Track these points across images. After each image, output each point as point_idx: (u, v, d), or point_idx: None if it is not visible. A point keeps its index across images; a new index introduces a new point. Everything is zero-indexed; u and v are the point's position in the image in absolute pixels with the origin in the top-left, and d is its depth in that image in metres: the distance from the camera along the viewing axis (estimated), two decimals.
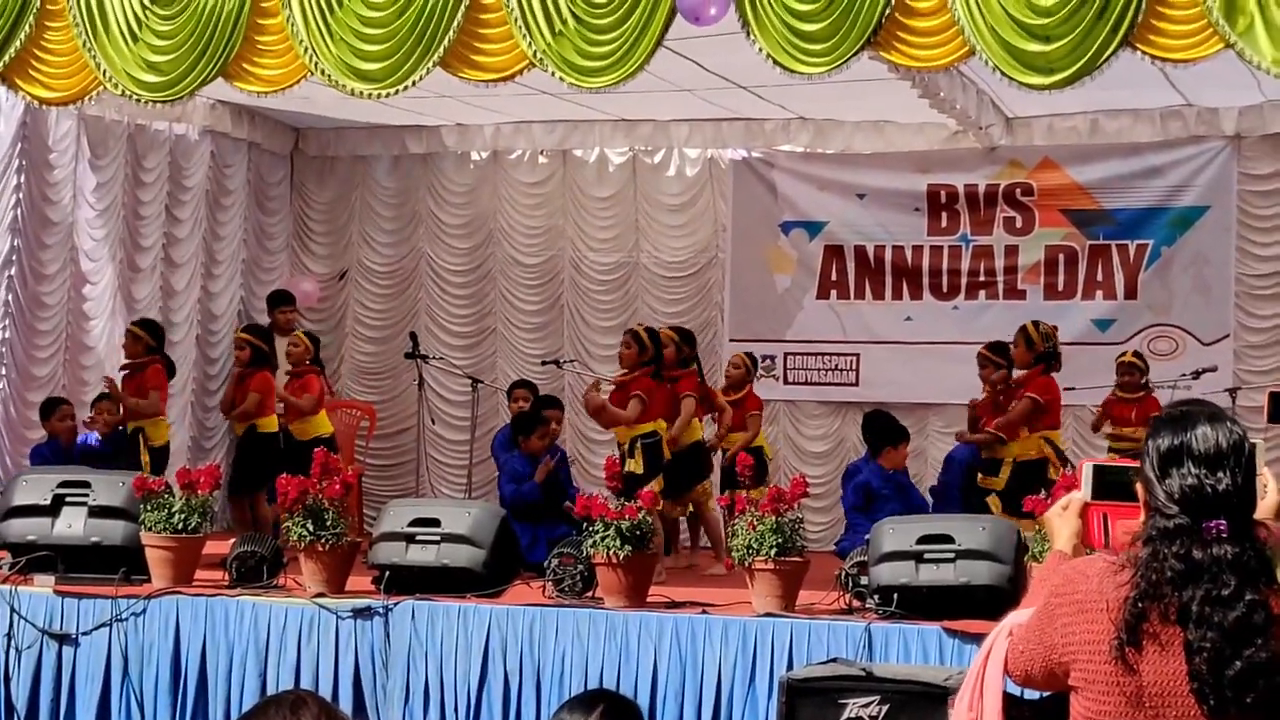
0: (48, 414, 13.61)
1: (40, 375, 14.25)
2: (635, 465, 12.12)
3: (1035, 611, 3.99)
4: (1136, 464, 3.97)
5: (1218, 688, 3.68)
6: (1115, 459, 6.39)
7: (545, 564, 9.91)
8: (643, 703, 8.87)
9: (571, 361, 15.79)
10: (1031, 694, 4.22)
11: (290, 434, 13.79)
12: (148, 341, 13.46)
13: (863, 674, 8.06)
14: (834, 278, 15.95)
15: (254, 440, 13.77)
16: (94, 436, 13.63)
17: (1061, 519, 4.22)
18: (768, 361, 15.86)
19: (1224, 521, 3.74)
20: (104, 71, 10.82)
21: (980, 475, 12.90)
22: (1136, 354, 13.88)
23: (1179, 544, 3.73)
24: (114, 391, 13.48)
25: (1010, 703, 4.09)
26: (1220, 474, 3.78)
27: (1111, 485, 4.14)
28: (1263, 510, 3.89)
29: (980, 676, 4.08)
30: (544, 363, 15.59)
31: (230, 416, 14.41)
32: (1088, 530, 4.18)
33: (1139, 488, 3.90)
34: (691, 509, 13.06)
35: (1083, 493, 4.20)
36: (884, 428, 13.83)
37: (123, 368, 13.66)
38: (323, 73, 10.52)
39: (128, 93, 10.89)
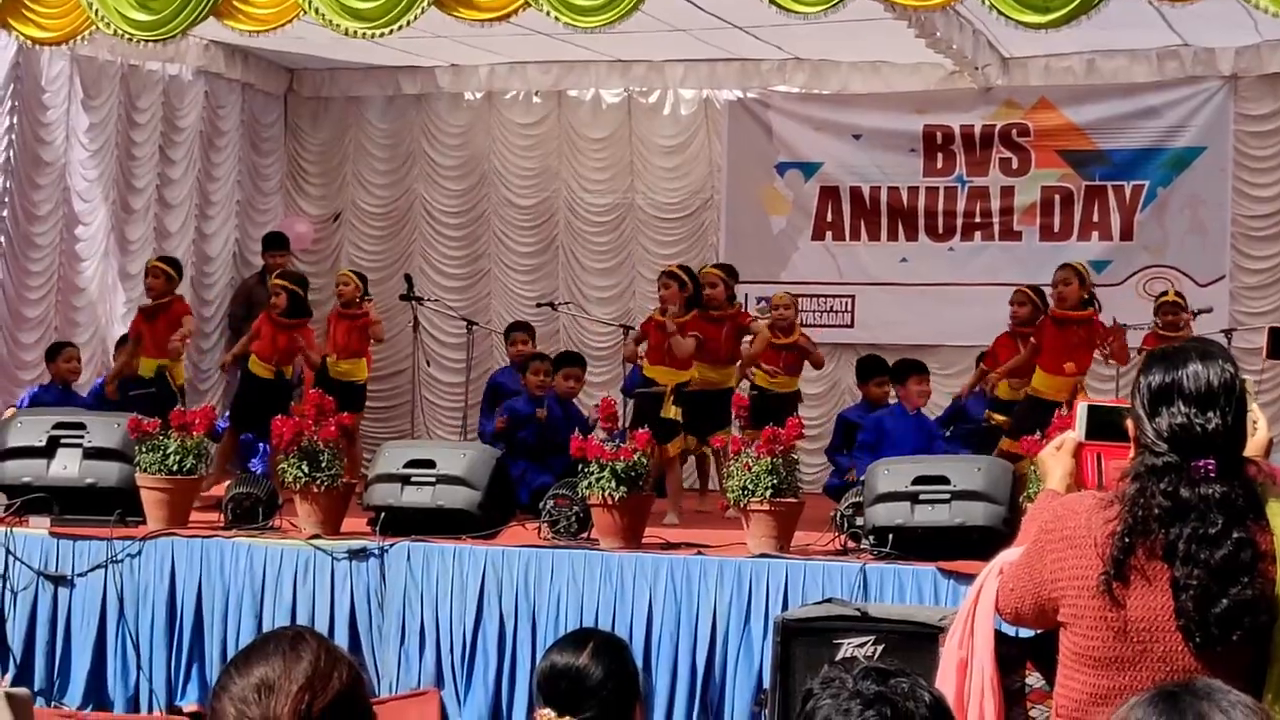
0: (53, 356, 13.58)
1: (32, 316, 14.23)
2: (676, 413, 12.13)
3: (1025, 549, 4.00)
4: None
5: (1204, 624, 3.69)
6: (1116, 399, 6.37)
7: (540, 505, 9.92)
8: (638, 644, 8.90)
9: (566, 304, 15.77)
10: (1024, 633, 4.23)
11: (329, 375, 13.55)
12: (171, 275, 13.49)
13: (858, 614, 8.08)
14: (829, 219, 15.91)
15: (283, 385, 13.44)
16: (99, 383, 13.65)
17: (1055, 459, 4.22)
18: (762, 304, 15.82)
19: (1213, 460, 3.74)
20: (95, 10, 10.76)
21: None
22: (1179, 293, 13.62)
23: (1167, 481, 3.74)
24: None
25: (1000, 640, 4.09)
26: (1210, 413, 3.77)
27: (1105, 425, 4.14)
28: (1252, 447, 3.89)
29: (971, 615, 4.09)
30: (539, 305, 15.58)
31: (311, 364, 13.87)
32: (1081, 470, 4.18)
33: (1129, 424, 3.90)
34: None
35: (1077, 433, 4.20)
36: (862, 365, 13.87)
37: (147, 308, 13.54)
38: (316, 11, 10.46)
39: (119, 31, 10.84)
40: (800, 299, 15.16)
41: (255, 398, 13.11)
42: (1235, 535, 3.69)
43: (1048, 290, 12.81)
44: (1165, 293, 13.62)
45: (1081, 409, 4.23)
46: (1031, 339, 12.60)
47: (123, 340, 13.98)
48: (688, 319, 12.43)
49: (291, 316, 13.28)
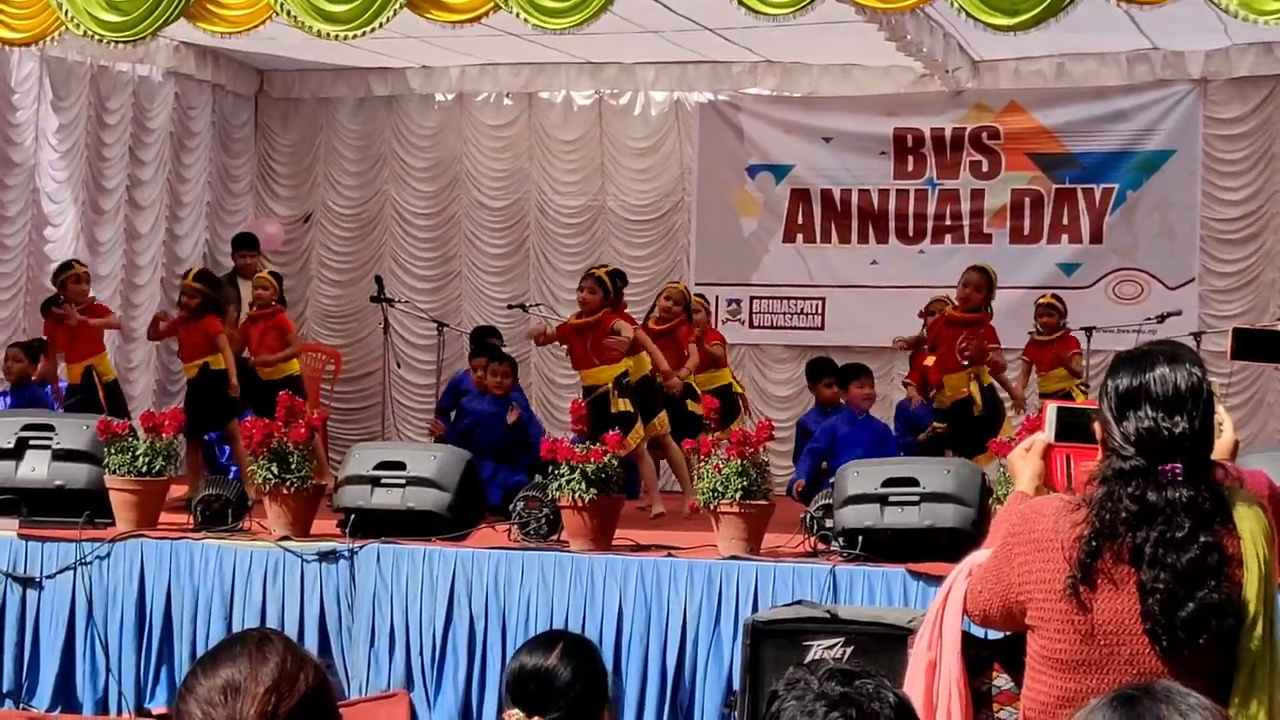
0: None
1: (0, 317, 14.18)
2: (625, 404, 12.11)
3: (993, 551, 4.00)
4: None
5: (1170, 628, 3.69)
6: (1085, 401, 6.39)
7: (510, 507, 9.92)
8: (608, 645, 8.90)
9: (537, 305, 15.76)
10: (993, 634, 4.23)
11: (257, 375, 13.47)
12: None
13: (827, 616, 8.08)
14: (800, 221, 15.94)
15: (210, 379, 13.30)
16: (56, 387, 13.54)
17: (1024, 460, 4.22)
18: (733, 305, 15.87)
19: (1179, 464, 3.74)
20: (65, 11, 10.73)
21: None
22: (1055, 296, 13.86)
23: (1134, 485, 3.74)
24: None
25: (969, 642, 4.10)
26: (1178, 417, 3.77)
27: (1075, 427, 4.13)
28: (1219, 450, 3.89)
29: (939, 616, 4.09)
30: (510, 306, 15.57)
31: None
32: (1050, 472, 4.18)
33: (1097, 427, 3.90)
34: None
35: (1046, 434, 4.20)
36: (811, 367, 13.89)
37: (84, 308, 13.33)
38: (288, 13, 10.45)
39: (89, 32, 10.81)
40: (771, 301, 15.20)
41: (192, 400, 12.92)
42: (1202, 539, 3.69)
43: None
44: (1042, 295, 13.80)
45: (1051, 410, 4.22)
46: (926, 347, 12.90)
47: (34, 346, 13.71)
48: (592, 320, 12.37)
49: (199, 315, 12.99)
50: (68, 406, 12.64)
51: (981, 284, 12.86)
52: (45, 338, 13.32)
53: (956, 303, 13.10)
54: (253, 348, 13.47)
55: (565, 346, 12.98)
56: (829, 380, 13.60)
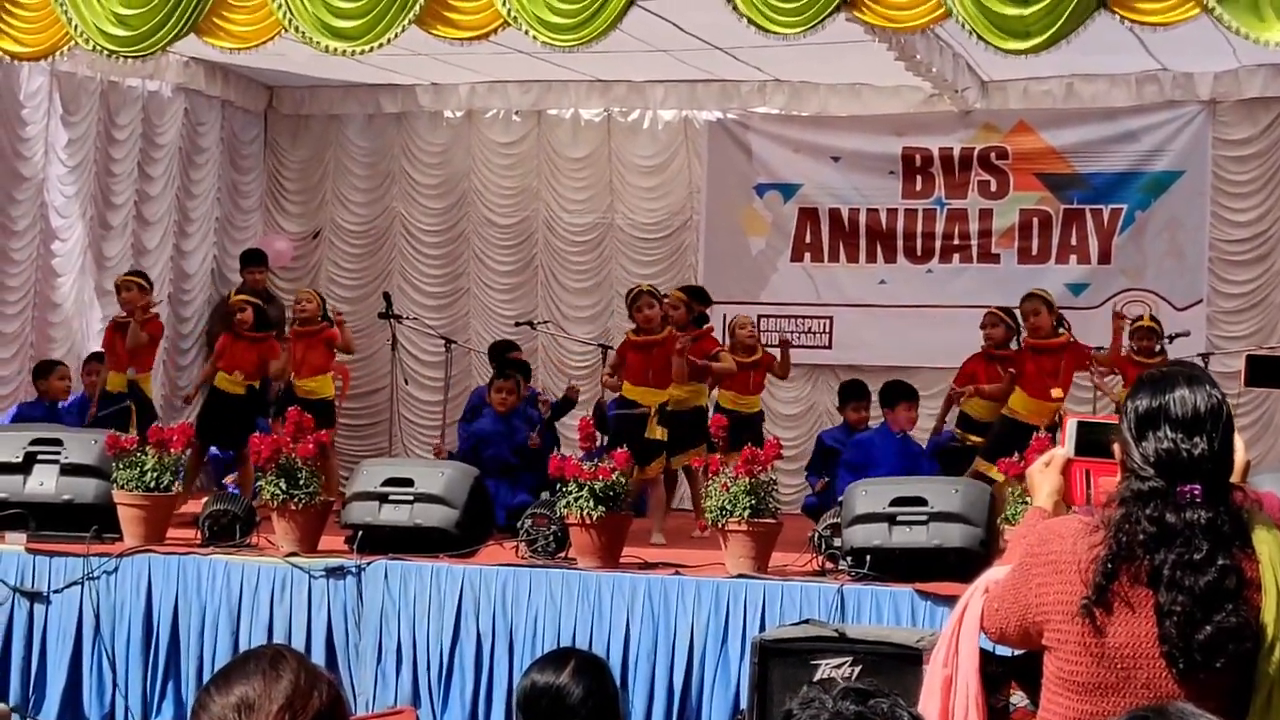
0: (45, 373, 13.52)
1: (8, 332, 14.21)
2: (661, 433, 12.07)
3: (1011, 569, 3.98)
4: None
5: (1187, 651, 3.67)
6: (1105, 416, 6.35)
7: (519, 524, 9.91)
8: (615, 663, 8.89)
9: (545, 323, 15.76)
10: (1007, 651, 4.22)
11: (294, 392, 13.46)
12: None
13: (835, 635, 8.08)
14: (808, 240, 15.93)
15: (253, 399, 13.41)
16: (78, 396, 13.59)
17: (1043, 475, 4.19)
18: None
19: (1198, 486, 3.72)
20: (75, 26, 10.74)
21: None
22: (1153, 317, 13.46)
23: (1152, 507, 3.72)
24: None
25: (985, 658, 4.08)
26: (1197, 439, 3.76)
27: (1095, 442, 4.10)
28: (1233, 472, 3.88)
29: (956, 632, 4.08)
30: (518, 324, 15.58)
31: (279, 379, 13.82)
32: (1070, 487, 4.15)
33: (1116, 447, 3.89)
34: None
35: (1066, 449, 4.18)
36: (844, 389, 13.79)
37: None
38: (297, 29, 10.45)
39: (98, 47, 10.82)
40: (778, 319, 15.18)
41: (224, 413, 13.02)
42: (1220, 562, 3.67)
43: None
44: (1141, 317, 13.55)
45: (1071, 425, 4.19)
46: (1010, 369, 12.54)
47: (95, 356, 13.92)
48: (658, 338, 12.36)
49: (259, 330, 13.27)
50: (104, 417, 12.63)
51: (1039, 308, 12.57)
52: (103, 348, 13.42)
53: (1025, 333, 12.74)
54: (298, 364, 13.46)
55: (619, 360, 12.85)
56: (857, 404, 13.51)
